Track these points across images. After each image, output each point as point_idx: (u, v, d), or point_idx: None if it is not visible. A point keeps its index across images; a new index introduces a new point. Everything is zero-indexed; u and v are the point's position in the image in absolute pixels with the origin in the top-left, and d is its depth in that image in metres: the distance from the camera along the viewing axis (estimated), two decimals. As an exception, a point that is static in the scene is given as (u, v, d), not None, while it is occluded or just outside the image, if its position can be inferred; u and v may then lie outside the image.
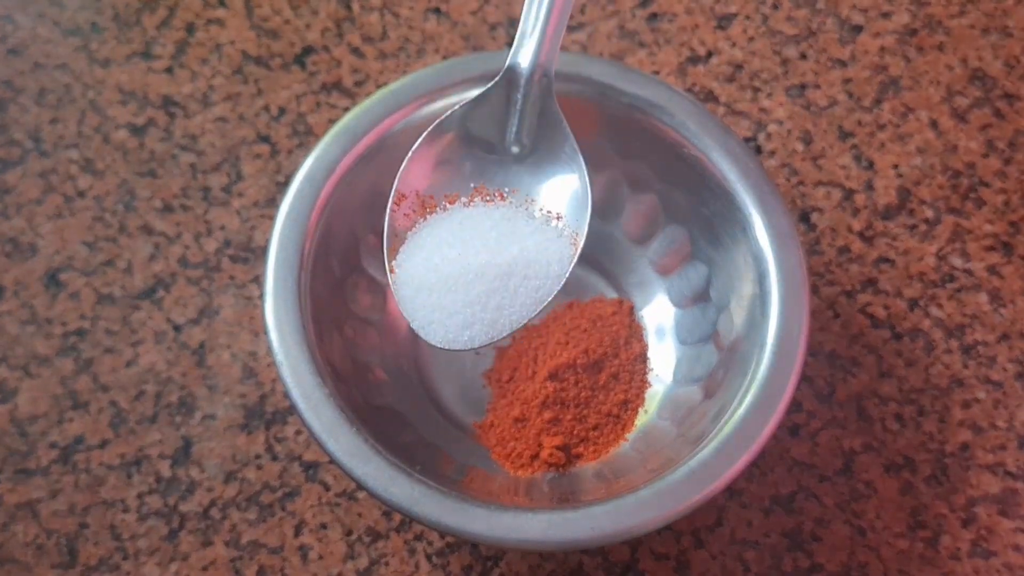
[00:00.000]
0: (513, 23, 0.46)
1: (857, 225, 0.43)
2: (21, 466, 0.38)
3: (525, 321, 0.31)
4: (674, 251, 0.39)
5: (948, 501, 0.38)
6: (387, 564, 0.37)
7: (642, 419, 0.37)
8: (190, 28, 0.46)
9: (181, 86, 0.45)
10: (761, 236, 0.35)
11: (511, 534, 0.30)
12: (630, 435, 0.37)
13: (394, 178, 0.37)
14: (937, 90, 0.45)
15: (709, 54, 0.46)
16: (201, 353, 0.40)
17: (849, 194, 0.43)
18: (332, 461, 0.32)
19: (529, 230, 0.33)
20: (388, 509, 0.37)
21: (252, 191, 0.43)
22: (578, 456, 0.36)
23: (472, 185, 0.34)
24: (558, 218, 0.34)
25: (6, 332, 0.40)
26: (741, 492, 0.38)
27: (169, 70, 0.45)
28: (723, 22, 0.47)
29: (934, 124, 0.45)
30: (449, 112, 0.34)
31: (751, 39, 0.46)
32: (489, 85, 0.34)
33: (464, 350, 0.31)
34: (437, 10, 0.47)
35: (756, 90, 0.45)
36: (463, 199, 0.34)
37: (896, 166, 0.44)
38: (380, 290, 0.38)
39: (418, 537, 0.37)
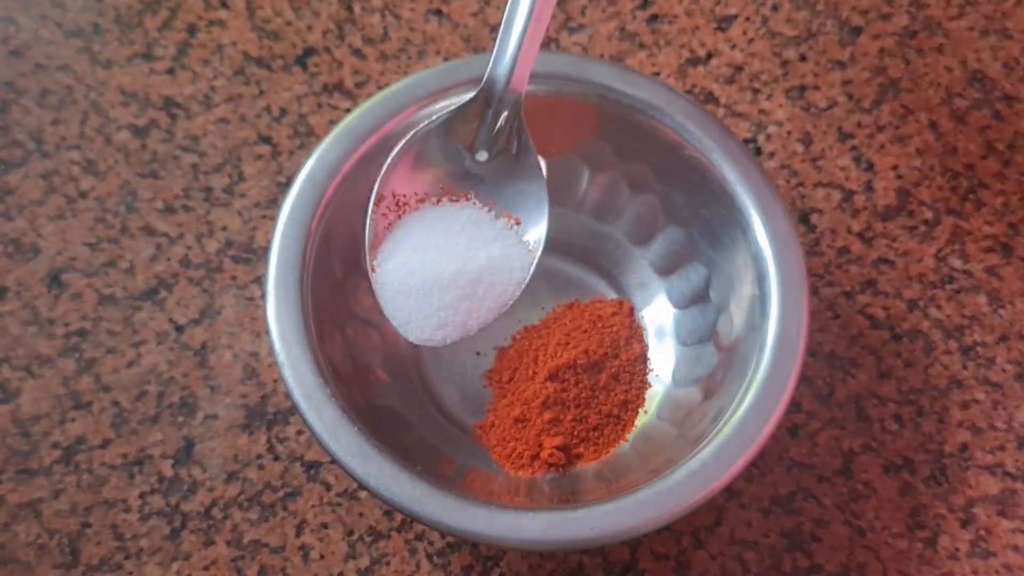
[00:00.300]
0: (514, 25, 0.46)
1: (857, 226, 0.43)
2: (23, 466, 0.38)
3: (491, 321, 0.35)
4: (674, 252, 0.39)
5: (947, 501, 0.38)
6: (388, 564, 0.37)
7: (642, 420, 0.37)
8: (192, 29, 0.46)
9: (183, 87, 0.45)
10: (761, 237, 0.35)
11: (511, 534, 0.30)
12: (630, 435, 0.37)
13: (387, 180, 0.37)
14: (936, 92, 0.46)
15: (709, 56, 0.46)
16: (203, 353, 0.40)
17: (849, 195, 0.43)
18: (334, 461, 0.32)
19: (493, 235, 0.36)
20: (389, 509, 0.37)
21: (253, 192, 0.43)
22: (578, 456, 0.36)
23: (441, 187, 0.36)
24: (517, 223, 0.36)
25: (8, 332, 0.40)
26: (740, 492, 0.38)
27: (171, 71, 0.45)
28: (723, 24, 0.47)
29: (933, 126, 0.45)
30: (428, 121, 0.35)
31: (751, 41, 0.47)
32: (467, 100, 0.35)
33: (438, 345, 0.35)
34: (438, 12, 0.47)
35: (756, 91, 0.45)
36: (432, 199, 0.36)
37: (895, 167, 0.44)
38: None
39: (419, 537, 0.37)
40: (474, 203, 0.36)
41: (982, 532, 0.37)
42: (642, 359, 0.38)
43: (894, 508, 0.38)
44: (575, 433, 0.36)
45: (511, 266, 0.35)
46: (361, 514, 0.38)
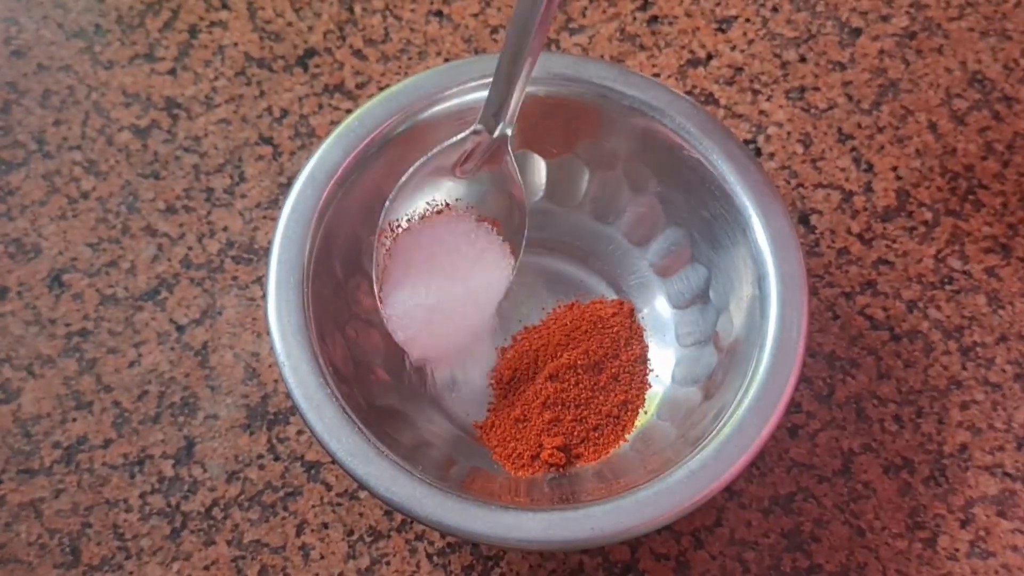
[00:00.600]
0: (514, 26, 0.46)
1: (856, 227, 0.43)
2: (24, 466, 0.38)
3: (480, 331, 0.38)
4: (674, 253, 0.39)
5: (946, 502, 0.38)
6: (388, 564, 0.37)
7: (642, 420, 0.37)
8: (193, 30, 0.46)
9: (184, 88, 0.45)
10: (761, 238, 0.35)
11: (512, 534, 0.31)
12: (630, 436, 0.37)
13: (396, 180, 0.37)
14: (936, 93, 0.46)
15: (709, 57, 0.46)
16: (204, 354, 0.40)
17: (848, 196, 0.43)
18: (334, 461, 0.32)
19: (480, 247, 0.38)
20: (389, 509, 0.37)
21: (255, 192, 0.43)
22: (578, 456, 0.36)
23: (425, 202, 0.37)
24: (496, 224, 0.37)
25: (10, 333, 0.40)
26: (740, 493, 0.38)
27: (172, 72, 0.46)
28: (723, 25, 0.47)
29: (933, 127, 0.45)
30: (423, 158, 0.36)
31: (751, 42, 0.47)
32: (460, 138, 0.36)
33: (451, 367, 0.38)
34: (439, 13, 0.47)
35: (756, 92, 0.45)
36: (416, 215, 0.37)
37: (895, 168, 0.44)
38: (382, 291, 0.39)
39: (419, 537, 0.37)
40: (455, 213, 0.37)
41: (981, 532, 0.38)
42: (642, 359, 0.39)
43: (894, 508, 0.38)
44: (575, 433, 0.36)
45: (490, 281, 0.38)
46: (361, 514, 0.38)
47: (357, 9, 0.47)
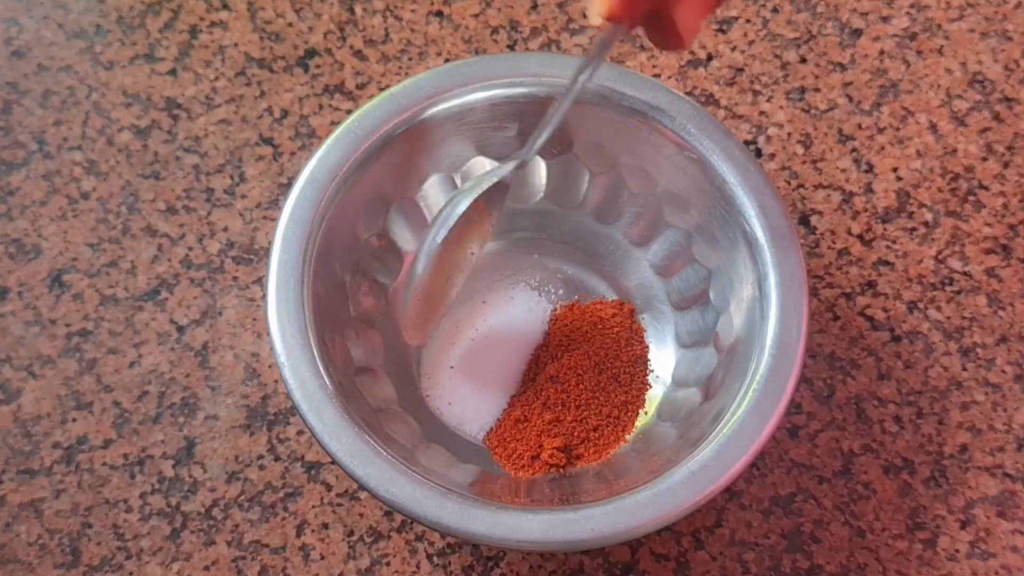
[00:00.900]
0: (514, 26, 0.46)
1: (857, 228, 0.43)
2: (25, 466, 0.38)
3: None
4: (674, 254, 0.39)
5: (947, 503, 0.38)
6: (388, 564, 0.37)
7: (642, 420, 0.37)
8: (193, 31, 0.47)
9: (184, 88, 0.45)
10: (761, 239, 0.35)
11: (512, 534, 0.31)
12: (630, 436, 0.37)
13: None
14: (936, 94, 0.46)
15: (710, 57, 0.46)
16: (204, 354, 0.40)
17: (849, 197, 0.43)
18: (334, 462, 0.32)
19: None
20: (389, 509, 0.37)
21: (255, 193, 0.43)
22: (578, 457, 0.36)
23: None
24: (480, 207, 0.36)
25: (10, 333, 0.40)
26: (741, 493, 0.38)
27: (172, 72, 0.46)
28: (724, 26, 0.47)
29: (933, 127, 0.45)
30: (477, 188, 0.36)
31: (751, 43, 0.47)
32: (509, 169, 0.36)
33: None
34: (439, 13, 0.47)
35: (756, 93, 0.45)
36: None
37: (895, 169, 0.44)
38: (381, 292, 0.39)
39: (419, 537, 0.37)
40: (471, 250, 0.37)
41: (981, 533, 0.38)
42: (642, 360, 0.39)
43: (894, 509, 0.38)
44: (575, 434, 0.36)
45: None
46: (361, 514, 0.38)
47: (358, 10, 0.47)
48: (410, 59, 0.46)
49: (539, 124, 0.34)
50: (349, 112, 0.43)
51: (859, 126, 0.45)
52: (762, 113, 0.45)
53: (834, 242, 0.43)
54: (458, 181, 0.39)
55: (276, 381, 0.40)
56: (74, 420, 0.39)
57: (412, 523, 0.37)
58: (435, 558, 0.37)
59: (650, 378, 0.38)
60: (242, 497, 0.38)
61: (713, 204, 0.37)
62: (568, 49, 0.46)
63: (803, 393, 0.40)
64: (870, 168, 0.44)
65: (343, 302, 0.37)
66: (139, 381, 0.40)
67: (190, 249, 0.42)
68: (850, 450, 0.39)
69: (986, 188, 0.44)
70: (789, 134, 0.45)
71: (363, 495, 0.38)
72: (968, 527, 0.38)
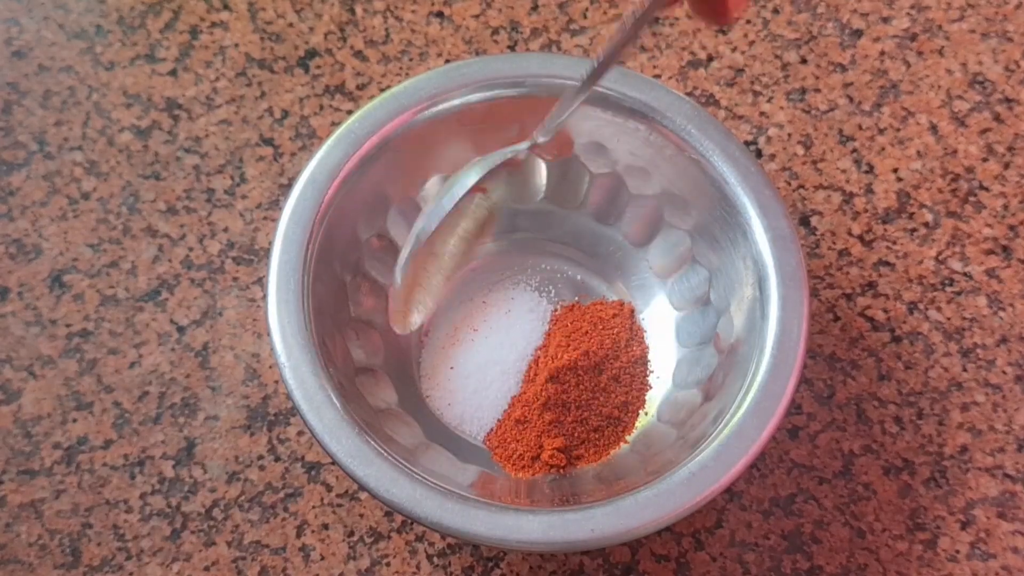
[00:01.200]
0: (515, 27, 0.46)
1: (857, 229, 0.43)
2: (25, 467, 0.38)
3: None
4: (674, 254, 0.39)
5: (947, 503, 0.38)
6: (388, 565, 0.37)
7: (642, 421, 0.37)
8: (194, 31, 0.47)
9: (185, 89, 0.45)
10: (761, 239, 0.35)
11: (512, 535, 0.31)
12: (630, 437, 0.37)
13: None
14: (937, 94, 0.46)
15: (710, 58, 0.46)
16: (204, 354, 0.40)
17: (849, 198, 0.43)
18: (334, 462, 0.32)
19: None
20: (390, 510, 0.37)
21: (255, 193, 0.43)
22: (579, 458, 0.36)
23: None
24: (483, 191, 0.36)
25: (11, 333, 0.40)
26: (741, 494, 0.38)
27: (173, 73, 0.46)
28: (724, 26, 0.47)
29: (934, 128, 0.45)
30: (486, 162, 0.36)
31: (752, 43, 0.47)
32: (523, 147, 0.36)
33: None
34: (440, 14, 0.47)
35: (757, 94, 0.45)
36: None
37: (896, 170, 0.44)
38: (382, 292, 0.39)
39: (419, 538, 0.37)
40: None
41: (982, 534, 0.38)
42: (642, 361, 0.39)
43: (894, 510, 0.38)
44: (575, 435, 0.36)
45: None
46: (361, 515, 0.38)
47: (358, 10, 0.47)
48: (411, 60, 0.46)
49: (560, 104, 0.34)
50: (350, 113, 0.43)
51: (859, 127, 0.45)
52: (762, 114, 0.45)
53: (834, 243, 0.43)
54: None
55: (276, 381, 0.40)
56: (74, 420, 0.39)
57: (412, 524, 0.37)
58: (435, 559, 0.37)
59: (650, 379, 0.38)
60: (242, 497, 0.38)
61: (713, 205, 0.37)
62: (568, 50, 0.46)
63: (803, 394, 0.40)
64: (870, 169, 0.44)
65: (343, 302, 0.37)
66: (139, 381, 0.40)
67: (190, 249, 0.42)
68: (850, 451, 0.39)
69: (986, 189, 0.44)
70: (789, 135, 0.45)
71: (363, 496, 0.38)
72: (968, 528, 0.38)
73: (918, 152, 0.44)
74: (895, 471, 0.39)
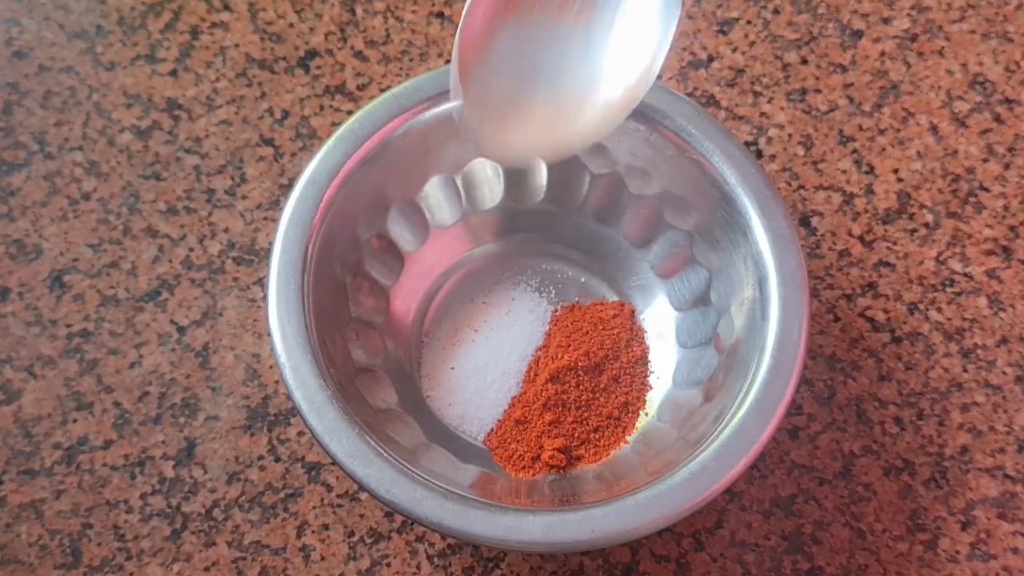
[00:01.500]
0: (515, 27, 0.46)
1: (857, 229, 0.43)
2: (25, 467, 0.38)
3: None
4: (675, 255, 0.39)
5: (947, 504, 0.38)
6: (389, 565, 0.37)
7: (642, 421, 0.37)
8: (194, 31, 0.47)
9: (185, 89, 0.45)
10: (761, 240, 0.35)
11: (512, 535, 0.31)
12: (631, 437, 0.37)
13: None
14: (937, 95, 0.46)
15: (710, 59, 0.46)
16: (205, 355, 0.40)
17: (849, 198, 0.43)
18: (334, 462, 0.32)
19: (601, 58, 0.34)
20: (390, 510, 0.37)
21: (256, 194, 0.43)
22: (579, 458, 0.36)
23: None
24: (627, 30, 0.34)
25: (11, 333, 0.40)
26: (741, 494, 0.38)
27: (173, 73, 0.46)
28: (724, 27, 0.47)
29: (934, 129, 0.45)
30: None
31: (752, 44, 0.47)
32: None
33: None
34: (440, 14, 0.47)
35: (757, 95, 0.45)
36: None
37: (896, 170, 0.44)
38: (382, 292, 0.39)
39: (420, 538, 0.37)
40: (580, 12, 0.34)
41: (982, 535, 0.38)
42: (643, 361, 0.39)
43: (894, 510, 0.38)
44: (576, 435, 0.36)
45: (617, 86, 0.35)
46: (362, 515, 0.38)
47: (358, 10, 0.47)
48: (411, 60, 0.46)
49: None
50: (350, 113, 0.44)
51: (860, 127, 0.45)
52: (763, 114, 0.45)
53: (835, 243, 0.43)
54: (459, 182, 0.39)
55: (277, 382, 0.40)
56: (75, 421, 0.39)
57: (412, 524, 0.37)
58: (435, 559, 0.37)
59: (651, 379, 0.38)
60: (243, 498, 0.38)
61: (714, 205, 0.37)
62: (569, 50, 0.46)
63: (804, 394, 0.40)
64: (871, 169, 0.44)
65: (344, 303, 0.37)
66: (140, 382, 0.40)
67: (191, 250, 0.42)
68: (851, 451, 0.39)
69: (987, 189, 0.44)
70: (790, 135, 0.45)
71: (363, 496, 0.38)
72: (969, 528, 0.38)
73: (918, 153, 0.44)
74: (895, 472, 0.39)
